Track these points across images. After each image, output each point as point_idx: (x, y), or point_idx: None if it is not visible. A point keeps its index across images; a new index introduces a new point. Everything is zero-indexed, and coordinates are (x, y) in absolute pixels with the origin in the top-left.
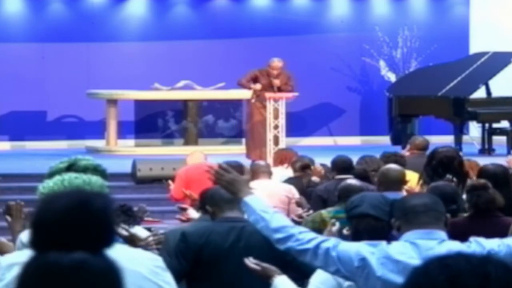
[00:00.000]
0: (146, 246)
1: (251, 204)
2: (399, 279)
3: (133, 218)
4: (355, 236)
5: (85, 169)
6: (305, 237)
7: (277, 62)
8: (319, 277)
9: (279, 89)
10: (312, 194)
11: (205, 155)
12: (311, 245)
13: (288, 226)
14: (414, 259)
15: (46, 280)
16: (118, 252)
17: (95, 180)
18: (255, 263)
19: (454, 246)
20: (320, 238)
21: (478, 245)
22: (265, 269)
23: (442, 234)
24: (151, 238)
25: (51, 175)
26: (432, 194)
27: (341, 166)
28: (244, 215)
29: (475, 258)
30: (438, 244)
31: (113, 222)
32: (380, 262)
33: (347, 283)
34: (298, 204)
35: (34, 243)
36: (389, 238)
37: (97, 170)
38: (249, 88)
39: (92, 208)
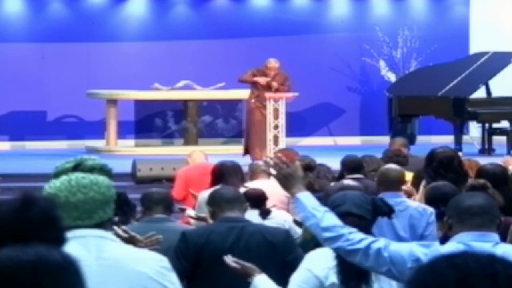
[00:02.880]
0: (143, 247)
1: (303, 201)
2: None
3: (130, 213)
4: None
5: (91, 169)
6: (355, 237)
7: (273, 63)
8: (300, 276)
9: (276, 90)
10: (322, 193)
11: (206, 155)
12: (361, 245)
13: (338, 225)
14: None
15: (3, 277)
16: (124, 252)
17: (102, 180)
18: (235, 261)
19: (509, 249)
20: (370, 238)
21: None
22: (245, 268)
23: (496, 236)
24: (147, 240)
25: (57, 175)
26: (487, 196)
27: (351, 165)
28: (244, 215)
29: (484, 258)
30: (493, 246)
31: (59, 223)
32: None
33: (328, 281)
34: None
35: None
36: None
37: (103, 170)
38: (253, 82)
39: (35, 209)
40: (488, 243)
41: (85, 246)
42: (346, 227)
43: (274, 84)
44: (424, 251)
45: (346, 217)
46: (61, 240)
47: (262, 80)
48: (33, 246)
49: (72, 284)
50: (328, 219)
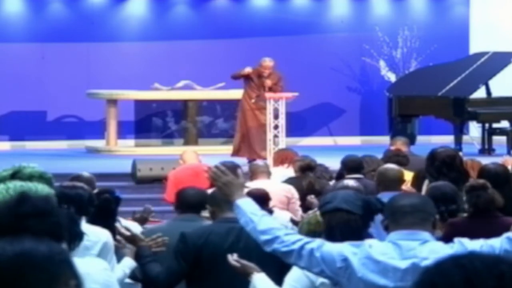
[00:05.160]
0: (149, 247)
1: (243, 207)
2: (379, 279)
3: (111, 213)
4: (329, 232)
5: (30, 177)
6: (290, 238)
7: (268, 62)
8: (293, 275)
9: (269, 89)
10: (322, 193)
11: (198, 155)
12: (295, 246)
13: (275, 228)
14: (395, 260)
15: None
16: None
17: (41, 188)
18: (235, 260)
19: (437, 247)
20: (305, 239)
21: (461, 245)
22: (245, 266)
23: (426, 235)
24: (152, 242)
25: None
26: (423, 195)
27: (351, 165)
28: None
29: (489, 258)
30: (420, 245)
31: (52, 217)
32: (361, 263)
33: (319, 280)
34: (310, 204)
35: None
36: (364, 233)
37: (43, 177)
38: (245, 74)
39: (28, 204)
40: (415, 242)
41: None
42: (282, 229)
43: (268, 82)
44: (353, 250)
45: (335, 213)
46: (57, 234)
47: (247, 70)
48: (21, 239)
49: (58, 275)
50: (265, 222)
